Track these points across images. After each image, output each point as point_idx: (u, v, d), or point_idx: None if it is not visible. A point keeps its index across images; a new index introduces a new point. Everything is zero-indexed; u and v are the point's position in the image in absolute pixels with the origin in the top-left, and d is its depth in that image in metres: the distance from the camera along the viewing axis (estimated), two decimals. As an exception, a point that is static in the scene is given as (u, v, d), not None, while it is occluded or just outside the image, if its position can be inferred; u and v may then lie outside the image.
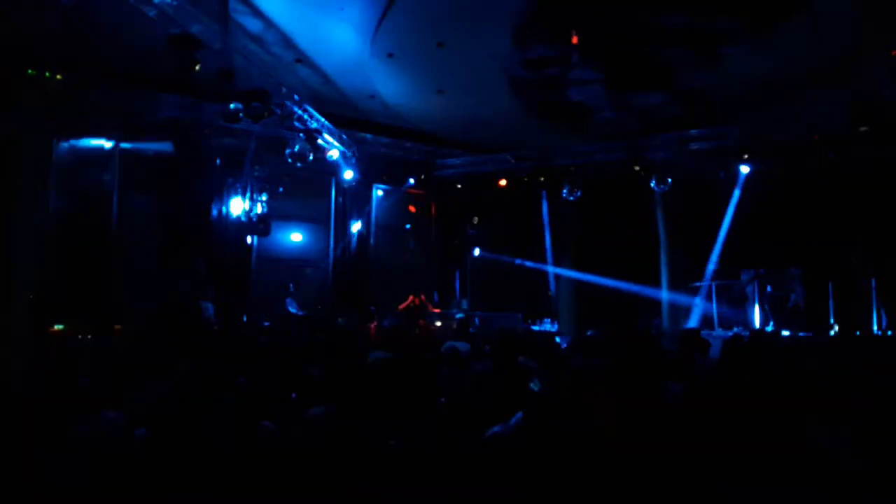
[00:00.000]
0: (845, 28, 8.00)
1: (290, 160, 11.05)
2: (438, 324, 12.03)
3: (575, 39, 8.93)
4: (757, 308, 11.27)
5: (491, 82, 9.84)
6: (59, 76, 9.76)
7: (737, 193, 11.68)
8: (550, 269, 13.71)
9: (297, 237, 12.31)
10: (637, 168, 11.39)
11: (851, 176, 10.24)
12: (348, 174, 11.95)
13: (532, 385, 3.48)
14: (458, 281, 14.13)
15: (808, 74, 9.19)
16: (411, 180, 13.07)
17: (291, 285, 11.44)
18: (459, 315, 10.86)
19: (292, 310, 11.26)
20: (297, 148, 10.76)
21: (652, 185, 11.68)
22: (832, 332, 9.88)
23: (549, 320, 13.57)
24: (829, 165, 10.39)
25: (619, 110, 10.66)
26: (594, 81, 9.66)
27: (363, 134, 11.93)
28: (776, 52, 8.59)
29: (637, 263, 12.37)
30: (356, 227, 13.07)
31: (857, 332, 9.68)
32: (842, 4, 7.57)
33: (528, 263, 13.78)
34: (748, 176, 11.46)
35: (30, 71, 9.73)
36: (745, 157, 10.99)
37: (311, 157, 10.59)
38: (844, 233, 10.53)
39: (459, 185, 13.63)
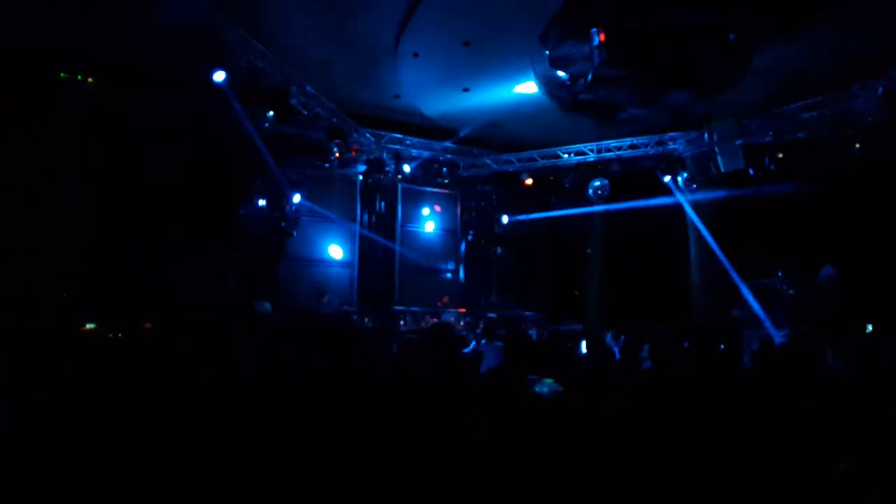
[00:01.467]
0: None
1: (316, 161, 11.14)
2: (462, 323, 12.03)
3: (603, 37, 8.84)
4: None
5: (517, 80, 9.83)
6: (90, 79, 9.97)
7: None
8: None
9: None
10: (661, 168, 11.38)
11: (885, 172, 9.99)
12: (374, 173, 11.99)
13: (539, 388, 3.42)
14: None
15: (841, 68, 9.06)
16: (438, 179, 13.05)
17: (326, 294, 11.36)
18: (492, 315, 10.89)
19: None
20: (323, 148, 10.85)
21: (667, 180, 11.74)
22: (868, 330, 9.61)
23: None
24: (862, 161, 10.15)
25: (647, 107, 10.56)
26: (622, 79, 9.57)
27: (389, 133, 11.96)
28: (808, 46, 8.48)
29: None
30: (381, 226, 13.12)
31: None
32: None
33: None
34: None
35: (62, 74, 9.97)
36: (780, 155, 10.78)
37: (336, 158, 10.64)
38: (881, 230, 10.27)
39: (486, 184, 13.63)
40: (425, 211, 13.66)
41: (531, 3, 7.76)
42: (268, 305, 9.47)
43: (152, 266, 8.92)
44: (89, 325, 7.08)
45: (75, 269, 8.42)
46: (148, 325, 7.18)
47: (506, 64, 9.30)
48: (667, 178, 11.75)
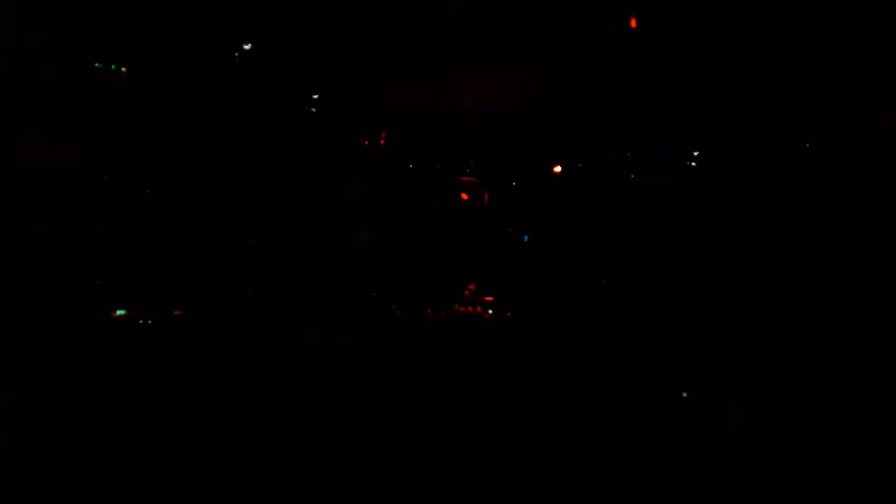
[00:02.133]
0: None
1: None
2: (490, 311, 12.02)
3: (634, 23, 8.64)
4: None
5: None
6: (123, 69, 10.12)
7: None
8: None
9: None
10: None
11: None
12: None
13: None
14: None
15: None
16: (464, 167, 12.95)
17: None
18: None
19: None
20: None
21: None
22: None
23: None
24: None
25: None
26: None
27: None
28: None
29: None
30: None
31: None
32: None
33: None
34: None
35: (97, 64, 10.13)
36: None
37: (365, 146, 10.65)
38: None
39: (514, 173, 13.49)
40: (451, 198, 13.63)
41: None
42: None
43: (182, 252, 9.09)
44: (120, 312, 7.26)
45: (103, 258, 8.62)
46: (178, 312, 7.34)
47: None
48: None
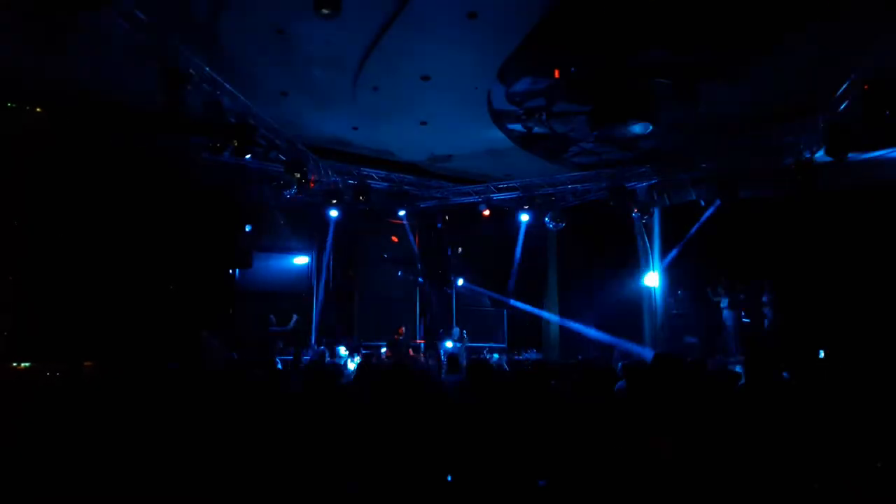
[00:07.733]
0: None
1: (272, 193, 11.03)
2: (423, 355, 11.97)
3: (557, 73, 9.00)
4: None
5: (474, 114, 9.93)
6: (38, 109, 9.72)
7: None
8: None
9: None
10: (612, 203, 11.63)
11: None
12: (333, 209, 11.93)
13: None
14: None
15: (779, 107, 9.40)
16: (401, 212, 12.96)
17: (272, 317, 11.40)
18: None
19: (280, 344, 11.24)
20: (280, 181, 10.76)
21: (634, 215, 11.92)
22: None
23: (534, 350, 13.54)
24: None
25: (601, 142, 10.73)
26: (576, 113, 9.72)
27: (347, 165, 11.89)
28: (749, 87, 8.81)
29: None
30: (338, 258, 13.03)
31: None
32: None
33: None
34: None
35: (9, 104, 9.68)
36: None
37: (294, 190, 10.53)
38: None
39: (446, 216, 13.63)
40: (382, 241, 13.66)
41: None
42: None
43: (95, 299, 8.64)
44: (24, 364, 6.76)
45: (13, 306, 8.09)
46: (88, 364, 6.90)
47: (463, 98, 9.41)
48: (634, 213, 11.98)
